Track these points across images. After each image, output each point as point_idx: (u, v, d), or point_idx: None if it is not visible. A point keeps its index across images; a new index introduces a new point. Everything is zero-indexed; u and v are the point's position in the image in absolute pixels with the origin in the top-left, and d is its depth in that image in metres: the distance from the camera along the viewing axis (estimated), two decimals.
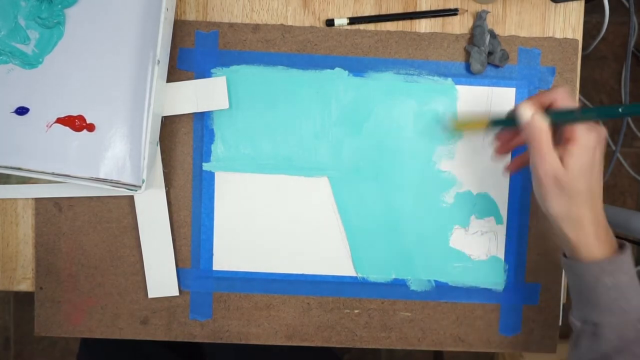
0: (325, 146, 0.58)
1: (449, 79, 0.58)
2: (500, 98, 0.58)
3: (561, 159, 0.46)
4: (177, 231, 0.59)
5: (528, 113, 0.47)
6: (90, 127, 0.53)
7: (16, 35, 0.53)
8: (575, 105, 0.48)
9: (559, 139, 0.48)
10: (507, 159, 0.58)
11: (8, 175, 0.58)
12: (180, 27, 0.57)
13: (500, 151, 0.57)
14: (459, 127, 0.58)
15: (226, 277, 0.60)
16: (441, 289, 0.60)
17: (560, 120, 0.47)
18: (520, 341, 0.61)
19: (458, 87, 0.58)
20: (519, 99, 0.58)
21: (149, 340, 0.60)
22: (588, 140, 0.46)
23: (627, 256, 0.48)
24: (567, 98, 0.48)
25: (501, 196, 0.59)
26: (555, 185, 0.47)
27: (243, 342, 0.60)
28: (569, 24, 0.58)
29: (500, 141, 0.56)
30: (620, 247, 0.49)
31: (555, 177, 0.46)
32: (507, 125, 0.54)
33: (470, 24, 0.58)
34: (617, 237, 0.50)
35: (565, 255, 0.51)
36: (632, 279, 0.48)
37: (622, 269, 0.47)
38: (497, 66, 0.57)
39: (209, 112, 0.58)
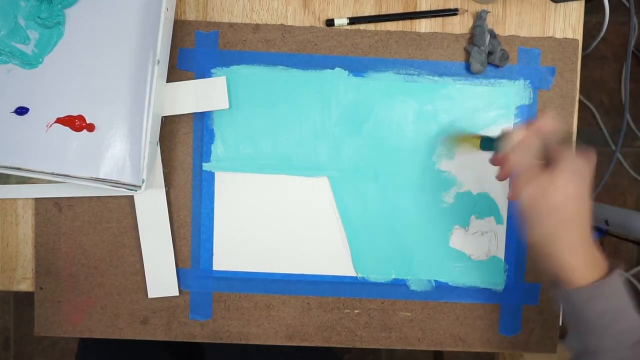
0: (325, 146, 0.58)
1: (449, 79, 0.58)
2: (500, 98, 0.58)
3: (547, 185, 0.44)
4: (177, 231, 0.59)
5: (511, 141, 0.47)
6: (90, 127, 0.53)
7: (16, 35, 0.53)
8: (562, 128, 0.48)
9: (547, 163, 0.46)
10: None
11: (8, 175, 0.58)
12: (180, 27, 0.57)
13: (501, 177, 0.50)
14: (455, 143, 0.58)
15: (226, 277, 0.60)
16: (441, 289, 0.60)
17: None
18: (520, 341, 0.61)
19: (458, 87, 0.58)
20: (519, 99, 0.58)
21: (148, 340, 0.60)
22: (574, 166, 0.45)
23: (616, 279, 0.46)
24: (551, 123, 0.47)
25: (501, 196, 0.59)
26: (535, 212, 0.45)
27: (243, 342, 0.60)
28: (569, 24, 0.58)
29: (498, 165, 0.51)
30: (611, 269, 0.47)
31: (535, 202, 0.45)
32: (493, 150, 0.52)
33: (470, 24, 0.58)
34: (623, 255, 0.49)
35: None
36: (624, 301, 0.46)
37: (611, 293, 0.46)
38: (497, 66, 0.57)
39: (209, 112, 0.58)
